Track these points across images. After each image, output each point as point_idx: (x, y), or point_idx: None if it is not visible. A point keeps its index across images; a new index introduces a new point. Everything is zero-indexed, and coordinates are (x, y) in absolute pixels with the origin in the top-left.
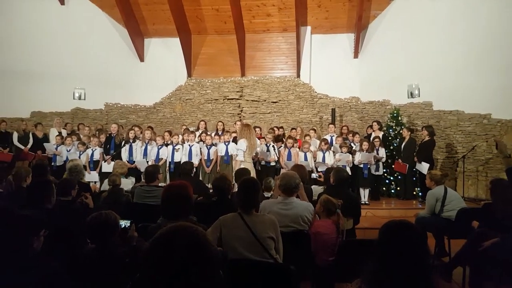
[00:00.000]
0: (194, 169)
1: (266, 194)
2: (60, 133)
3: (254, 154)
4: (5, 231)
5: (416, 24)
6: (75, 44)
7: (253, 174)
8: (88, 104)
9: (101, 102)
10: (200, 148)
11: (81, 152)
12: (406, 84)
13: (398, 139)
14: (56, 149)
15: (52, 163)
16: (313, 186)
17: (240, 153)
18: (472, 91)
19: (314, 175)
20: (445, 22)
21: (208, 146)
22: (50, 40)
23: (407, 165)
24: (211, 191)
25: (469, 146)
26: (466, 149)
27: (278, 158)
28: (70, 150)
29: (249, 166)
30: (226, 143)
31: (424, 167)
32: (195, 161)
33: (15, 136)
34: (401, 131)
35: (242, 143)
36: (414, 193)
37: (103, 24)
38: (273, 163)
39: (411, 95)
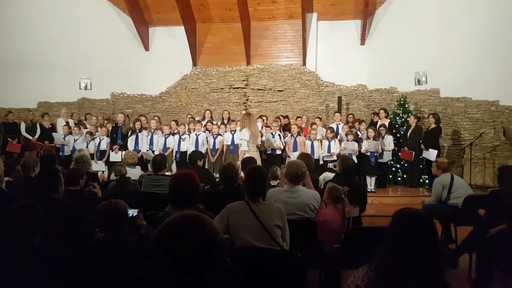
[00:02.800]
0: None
1: (273, 183)
2: (67, 123)
3: (260, 143)
4: (8, 224)
5: (423, 10)
6: (81, 34)
7: (259, 163)
8: (94, 94)
9: (107, 92)
10: (206, 138)
11: (88, 142)
12: (413, 71)
13: (404, 127)
14: (64, 139)
15: (60, 153)
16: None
17: (244, 143)
18: (480, 78)
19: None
20: (452, 8)
21: (214, 136)
22: (56, 30)
23: (413, 152)
24: (217, 180)
25: (477, 133)
26: (473, 136)
27: (284, 147)
28: (77, 139)
29: (255, 155)
30: (232, 132)
31: (432, 154)
32: (202, 150)
33: (22, 126)
34: (408, 119)
35: (245, 132)
36: (421, 180)
37: (108, 14)
38: (278, 152)
39: (418, 82)
